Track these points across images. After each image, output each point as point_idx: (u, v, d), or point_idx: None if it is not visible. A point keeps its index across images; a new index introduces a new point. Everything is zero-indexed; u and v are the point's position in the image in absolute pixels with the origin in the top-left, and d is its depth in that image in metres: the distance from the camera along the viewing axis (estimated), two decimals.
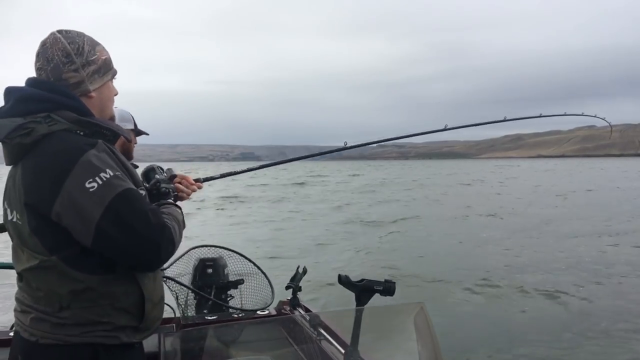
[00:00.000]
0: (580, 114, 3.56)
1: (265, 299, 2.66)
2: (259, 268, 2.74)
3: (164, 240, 1.35)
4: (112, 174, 1.31)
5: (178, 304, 2.53)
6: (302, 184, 37.90)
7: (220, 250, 2.76)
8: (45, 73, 1.41)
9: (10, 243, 1.46)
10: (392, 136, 2.92)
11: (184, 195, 1.89)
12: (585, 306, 6.67)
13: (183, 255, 2.65)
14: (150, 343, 1.71)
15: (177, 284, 2.51)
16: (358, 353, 1.73)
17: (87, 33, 1.48)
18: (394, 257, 10.05)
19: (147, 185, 1.71)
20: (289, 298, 2.59)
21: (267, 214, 18.76)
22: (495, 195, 25.46)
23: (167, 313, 2.23)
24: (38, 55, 1.43)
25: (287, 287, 2.56)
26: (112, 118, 1.65)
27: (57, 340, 1.36)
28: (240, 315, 2.55)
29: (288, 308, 2.57)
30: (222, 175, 2.33)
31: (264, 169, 2.62)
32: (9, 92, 1.40)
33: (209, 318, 2.46)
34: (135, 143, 2.54)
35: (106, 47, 1.53)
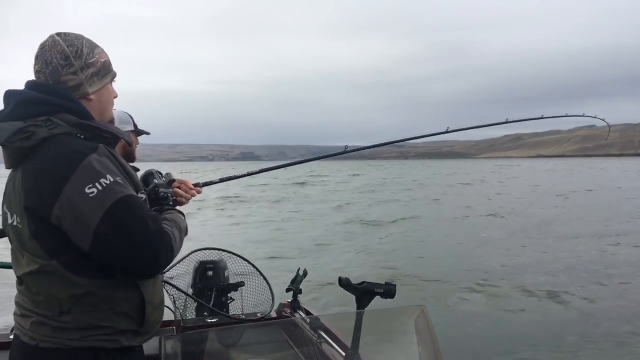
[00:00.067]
0: (582, 115, 3.59)
1: (265, 302, 2.66)
2: (260, 272, 2.73)
3: (162, 248, 1.34)
4: (112, 180, 1.31)
5: (176, 308, 2.53)
6: (302, 184, 37.88)
7: (221, 252, 2.76)
8: (44, 76, 1.41)
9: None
10: (393, 138, 2.90)
11: (183, 200, 1.89)
12: (587, 308, 6.65)
13: (184, 258, 2.65)
14: (150, 346, 1.71)
15: (177, 287, 2.50)
16: (359, 356, 1.73)
17: (87, 33, 1.47)
18: (394, 258, 10.05)
19: (147, 189, 1.71)
20: (290, 301, 2.59)
21: (267, 214, 18.77)
22: (495, 195, 25.46)
23: (167, 315, 2.23)
24: (37, 58, 1.43)
25: (288, 290, 2.56)
26: (112, 121, 1.65)
27: (58, 344, 1.35)
28: (241, 318, 2.54)
29: (289, 311, 2.56)
30: (222, 180, 2.32)
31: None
32: (9, 95, 1.40)
33: (210, 321, 2.46)
34: (138, 144, 2.53)
35: (106, 47, 1.52)
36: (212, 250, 2.74)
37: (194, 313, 2.60)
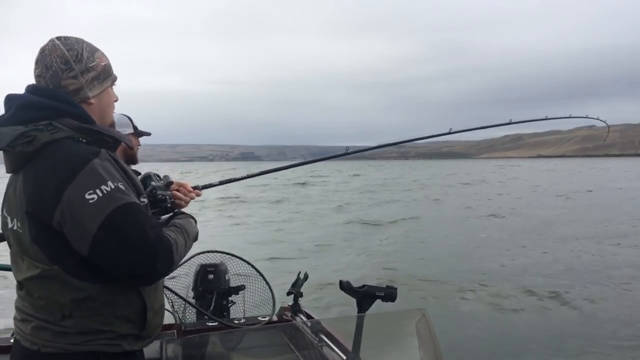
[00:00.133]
0: (585, 116, 3.64)
1: (267, 305, 2.65)
2: (262, 275, 2.72)
3: (160, 255, 1.33)
4: (113, 186, 1.30)
5: (175, 310, 2.52)
6: (303, 184, 37.87)
7: (222, 255, 2.75)
8: (44, 80, 1.41)
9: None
10: (393, 138, 2.90)
11: (182, 203, 1.88)
12: (588, 310, 6.62)
13: (185, 262, 2.64)
14: (151, 350, 1.70)
15: (177, 293, 2.50)
16: None
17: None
18: (394, 259, 10.05)
19: (146, 192, 1.70)
20: (291, 304, 2.58)
21: (267, 214, 18.76)
22: (496, 195, 25.45)
23: (167, 319, 2.23)
24: (37, 62, 1.42)
25: (289, 293, 2.55)
26: (112, 124, 1.64)
27: (59, 348, 1.35)
28: (241, 321, 2.54)
29: (289, 314, 2.56)
30: (221, 182, 2.31)
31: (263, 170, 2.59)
32: (10, 99, 1.39)
33: (210, 324, 2.45)
34: (139, 145, 2.53)
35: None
36: (213, 253, 2.74)
37: (194, 316, 2.60)
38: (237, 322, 2.53)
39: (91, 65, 1.45)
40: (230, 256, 2.76)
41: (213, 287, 2.61)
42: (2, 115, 1.38)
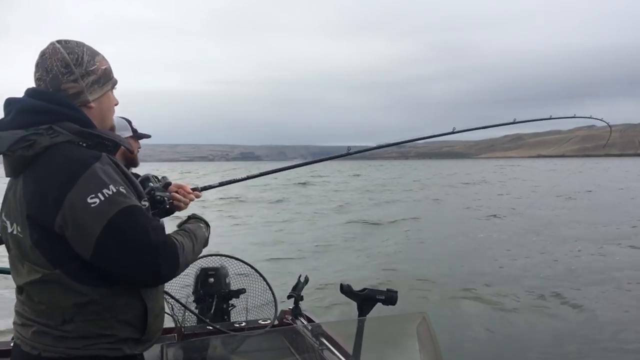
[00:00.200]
0: (589, 116, 3.69)
1: (268, 309, 2.64)
2: (263, 279, 2.71)
3: (162, 258, 1.33)
4: (115, 190, 1.30)
5: (174, 313, 2.52)
6: (303, 184, 37.86)
7: (223, 258, 2.75)
8: (44, 83, 1.40)
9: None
10: (393, 138, 2.91)
11: (181, 204, 1.88)
12: (589, 312, 6.57)
13: None
14: (152, 354, 1.70)
15: (177, 299, 2.49)
16: None
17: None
18: (394, 260, 10.04)
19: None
20: (291, 307, 2.58)
21: (267, 215, 18.74)
22: (496, 195, 25.44)
23: (167, 322, 2.22)
24: (37, 65, 1.42)
25: (289, 297, 2.55)
26: (112, 128, 1.64)
27: (60, 353, 1.35)
28: (241, 325, 2.53)
29: (290, 318, 2.56)
30: (221, 184, 2.31)
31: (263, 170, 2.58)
32: (9, 103, 1.39)
33: (211, 328, 2.45)
34: (139, 147, 2.52)
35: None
36: (214, 257, 2.73)
37: (195, 320, 2.59)
38: (237, 325, 2.53)
39: (91, 68, 1.44)
40: (231, 259, 2.76)
41: (214, 290, 2.61)
42: (2, 119, 1.38)
